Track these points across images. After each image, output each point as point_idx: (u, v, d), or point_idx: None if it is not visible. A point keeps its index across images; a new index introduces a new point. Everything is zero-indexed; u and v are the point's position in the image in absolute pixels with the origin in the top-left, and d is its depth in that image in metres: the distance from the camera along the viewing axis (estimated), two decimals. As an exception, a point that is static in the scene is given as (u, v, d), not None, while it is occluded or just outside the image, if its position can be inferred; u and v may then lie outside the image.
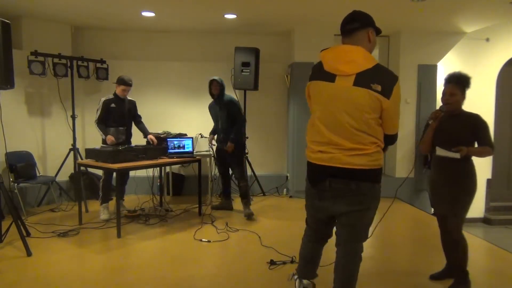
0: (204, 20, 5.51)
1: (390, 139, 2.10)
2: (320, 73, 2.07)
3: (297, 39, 5.93)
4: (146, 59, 6.22)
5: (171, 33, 6.24)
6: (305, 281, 2.48)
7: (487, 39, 6.31)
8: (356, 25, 2.02)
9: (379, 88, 1.91)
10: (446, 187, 2.79)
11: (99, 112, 4.62)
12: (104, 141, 4.62)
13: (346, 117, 1.97)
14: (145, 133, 4.98)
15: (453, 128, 2.78)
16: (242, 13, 5.11)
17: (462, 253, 2.81)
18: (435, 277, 3.06)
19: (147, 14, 5.14)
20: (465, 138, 2.72)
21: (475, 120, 2.73)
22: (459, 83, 2.75)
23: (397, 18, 5.25)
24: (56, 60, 5.19)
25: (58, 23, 5.59)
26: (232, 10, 4.98)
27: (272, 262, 3.34)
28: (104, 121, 4.65)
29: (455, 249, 2.83)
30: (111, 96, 4.71)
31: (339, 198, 2.06)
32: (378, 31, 2.10)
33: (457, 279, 2.87)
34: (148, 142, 4.91)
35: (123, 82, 4.66)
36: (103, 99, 4.67)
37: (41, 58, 5.01)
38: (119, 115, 4.71)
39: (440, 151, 2.80)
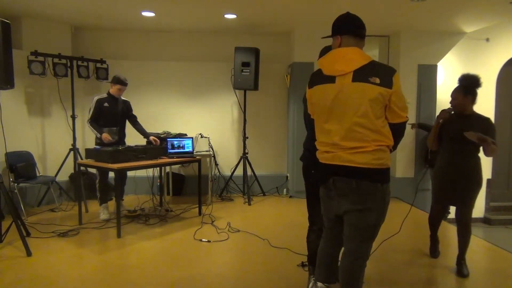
0: (204, 20, 5.51)
1: (397, 128, 2.06)
2: (320, 78, 2.12)
3: (297, 39, 5.93)
4: (146, 59, 6.22)
5: (171, 33, 6.24)
6: (319, 284, 2.45)
7: (487, 39, 6.31)
8: (364, 32, 2.12)
9: (377, 80, 1.94)
10: (460, 180, 3.11)
11: (91, 111, 4.55)
12: (98, 140, 4.53)
13: (348, 115, 2.00)
14: (145, 135, 4.93)
15: (463, 127, 3.03)
16: (242, 13, 5.11)
17: (469, 237, 3.25)
18: (436, 255, 3.55)
19: (147, 14, 5.14)
20: None
21: (487, 122, 3.07)
22: (460, 87, 3.11)
23: (397, 18, 5.24)
24: (56, 60, 5.19)
25: (58, 23, 5.59)
26: (232, 10, 4.98)
27: (303, 264, 3.24)
28: (97, 121, 4.57)
29: (465, 234, 3.23)
30: (104, 95, 4.65)
31: (343, 197, 2.09)
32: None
33: (459, 261, 3.25)
34: (149, 142, 4.86)
35: (119, 81, 4.58)
36: (96, 97, 4.60)
37: (41, 58, 5.01)
38: (112, 115, 4.63)
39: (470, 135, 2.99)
